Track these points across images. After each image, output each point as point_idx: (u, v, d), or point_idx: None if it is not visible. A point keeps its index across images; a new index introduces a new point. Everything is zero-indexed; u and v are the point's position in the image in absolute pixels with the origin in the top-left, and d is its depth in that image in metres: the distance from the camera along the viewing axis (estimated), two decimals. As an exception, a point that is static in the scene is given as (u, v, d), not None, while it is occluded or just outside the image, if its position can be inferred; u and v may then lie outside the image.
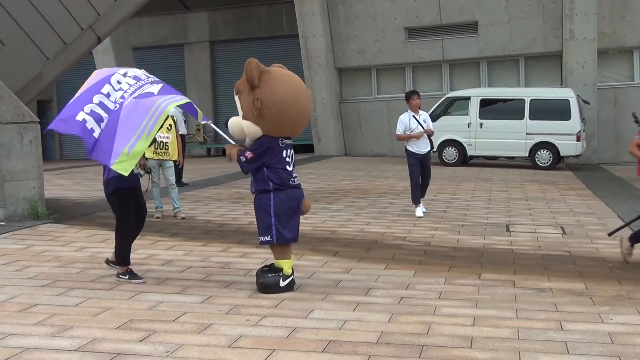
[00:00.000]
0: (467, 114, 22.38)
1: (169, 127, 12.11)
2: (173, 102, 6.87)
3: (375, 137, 27.07)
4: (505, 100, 22.68)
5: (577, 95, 21.70)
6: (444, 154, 22.44)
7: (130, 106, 6.80)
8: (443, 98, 23.22)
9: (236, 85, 7.00)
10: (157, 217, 11.90)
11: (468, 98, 22.64)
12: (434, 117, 22.51)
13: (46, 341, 5.39)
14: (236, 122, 6.98)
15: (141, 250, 9.04)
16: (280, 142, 6.91)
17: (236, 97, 7.00)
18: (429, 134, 12.12)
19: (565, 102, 21.28)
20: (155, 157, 11.83)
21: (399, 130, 12.15)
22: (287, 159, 6.96)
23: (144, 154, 11.90)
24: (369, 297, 6.75)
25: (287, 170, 6.93)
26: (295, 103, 6.91)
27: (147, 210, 7.99)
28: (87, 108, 6.80)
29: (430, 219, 11.81)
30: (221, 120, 31.39)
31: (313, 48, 27.02)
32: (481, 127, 22.12)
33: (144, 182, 11.88)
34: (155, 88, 7.03)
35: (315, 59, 26.91)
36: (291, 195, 6.95)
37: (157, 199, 12.14)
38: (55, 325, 5.78)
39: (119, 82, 7.00)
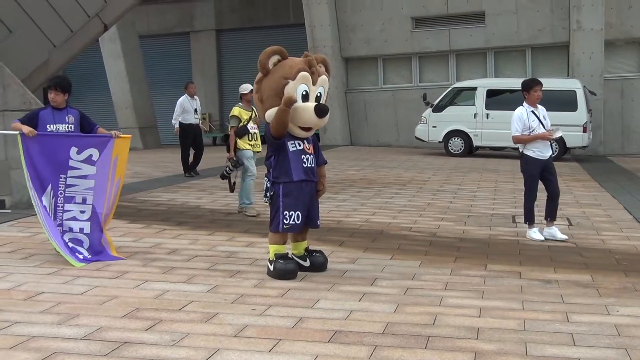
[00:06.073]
0: (474, 105, 22.31)
1: (251, 118, 11.09)
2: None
3: (381, 127, 26.98)
4: (511, 91, 22.51)
5: (584, 87, 21.60)
6: (450, 145, 22.39)
7: None
8: (449, 88, 23.16)
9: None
10: (254, 215, 10.79)
11: (474, 88, 22.56)
12: (440, 108, 22.52)
13: (52, 329, 5.40)
14: None
15: (147, 238, 9.06)
16: None
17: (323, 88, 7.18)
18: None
19: (572, 93, 21.18)
20: (252, 149, 11.07)
21: (517, 130, 9.45)
22: None
23: (237, 145, 10.90)
24: (375, 288, 6.76)
25: None
26: None
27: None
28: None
29: (435, 209, 11.79)
30: (227, 106, 31.35)
31: (319, 37, 26.95)
32: (487, 118, 22.05)
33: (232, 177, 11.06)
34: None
35: (321, 48, 26.82)
36: None
37: (251, 192, 11.02)
38: (61, 314, 5.79)
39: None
